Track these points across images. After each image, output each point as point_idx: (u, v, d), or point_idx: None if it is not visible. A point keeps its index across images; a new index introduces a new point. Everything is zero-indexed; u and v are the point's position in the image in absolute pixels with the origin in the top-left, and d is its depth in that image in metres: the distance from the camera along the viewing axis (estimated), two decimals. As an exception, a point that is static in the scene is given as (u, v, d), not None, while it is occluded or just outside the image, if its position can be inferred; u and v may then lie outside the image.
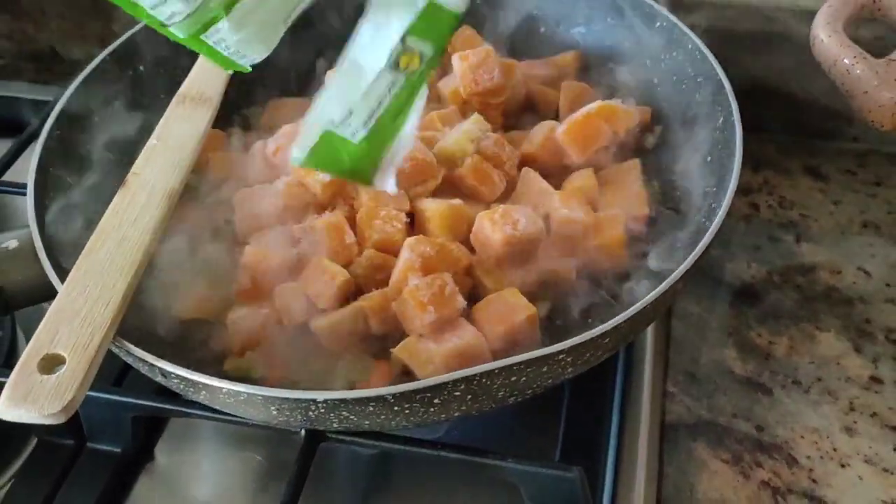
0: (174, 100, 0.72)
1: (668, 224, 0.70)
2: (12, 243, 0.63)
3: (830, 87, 0.77)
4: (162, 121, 0.70)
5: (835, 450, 0.69)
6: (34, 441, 0.73)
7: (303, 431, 0.61)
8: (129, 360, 0.58)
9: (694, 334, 0.79)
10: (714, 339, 0.78)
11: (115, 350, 0.58)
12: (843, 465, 0.68)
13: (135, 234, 0.60)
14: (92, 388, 0.65)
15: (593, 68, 0.83)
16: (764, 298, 0.81)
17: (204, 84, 0.73)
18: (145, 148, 0.67)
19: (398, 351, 0.58)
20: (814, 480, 0.68)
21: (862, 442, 0.70)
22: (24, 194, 0.82)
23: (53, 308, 0.55)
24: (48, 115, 0.81)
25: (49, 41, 1.15)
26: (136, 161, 0.66)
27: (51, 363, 0.52)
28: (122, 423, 0.68)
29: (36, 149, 0.70)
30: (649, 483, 0.67)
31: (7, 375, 0.64)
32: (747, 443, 0.70)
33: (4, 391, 0.50)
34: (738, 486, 0.68)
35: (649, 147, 0.77)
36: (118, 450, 0.70)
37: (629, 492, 0.65)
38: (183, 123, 0.70)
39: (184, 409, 0.64)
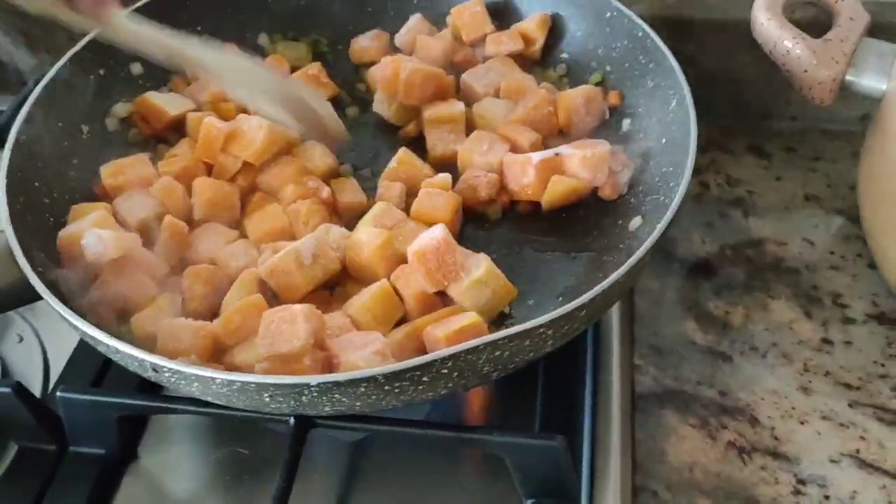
0: None
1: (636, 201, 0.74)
2: (-11, 249, 0.63)
3: (769, 70, 0.82)
4: None
5: (793, 409, 0.74)
6: (14, 449, 0.72)
7: (292, 420, 0.63)
8: (116, 358, 0.59)
9: (655, 309, 0.82)
10: (674, 312, 0.82)
11: (103, 349, 0.59)
12: (802, 423, 0.73)
13: None
14: (73, 390, 0.67)
15: (548, 56, 0.87)
16: (718, 272, 0.85)
17: None
18: None
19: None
20: (776, 438, 0.72)
21: (818, 400, 0.74)
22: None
23: None
24: (7, 123, 0.82)
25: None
26: None
27: None
28: (107, 425, 0.69)
29: (4, 154, 0.69)
30: (624, 450, 0.70)
31: None
32: (712, 407, 0.74)
33: None
34: (706, 448, 0.71)
35: (625, 130, 0.81)
36: (102, 451, 0.70)
37: (605, 458, 0.68)
38: None
39: (170, 406, 0.65)
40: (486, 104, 0.81)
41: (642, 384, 0.76)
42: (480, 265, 0.66)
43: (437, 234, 0.64)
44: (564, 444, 0.61)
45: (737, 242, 0.88)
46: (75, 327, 0.59)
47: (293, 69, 0.89)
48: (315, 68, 0.88)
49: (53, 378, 0.79)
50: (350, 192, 0.77)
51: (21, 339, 0.82)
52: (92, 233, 0.65)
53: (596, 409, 0.71)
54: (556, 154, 0.75)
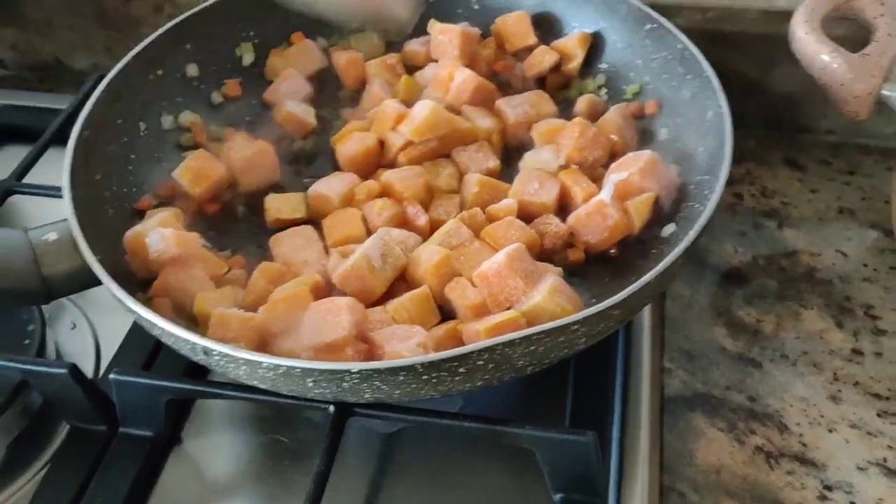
0: None
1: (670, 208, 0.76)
2: (52, 235, 0.67)
3: (805, 83, 0.83)
4: None
5: (822, 416, 0.75)
6: (66, 428, 0.76)
7: (331, 407, 0.65)
8: (170, 341, 0.62)
9: (687, 314, 0.84)
10: (706, 318, 0.83)
11: (157, 333, 0.62)
12: (830, 430, 0.74)
13: None
14: (126, 373, 0.70)
15: (587, 66, 0.89)
16: (750, 280, 0.87)
17: None
18: None
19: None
20: (804, 444, 0.73)
21: (847, 408, 0.75)
22: (46, 195, 0.88)
23: None
24: (68, 120, 0.86)
25: (54, 52, 1.18)
26: None
27: None
28: (156, 408, 0.72)
29: (68, 148, 0.73)
30: (652, 450, 0.71)
31: (36, 364, 0.70)
32: (741, 412, 0.75)
33: None
34: (733, 452, 0.73)
35: (662, 139, 0.83)
36: (150, 434, 0.74)
37: (634, 457, 0.70)
38: None
39: (217, 391, 0.68)
40: (532, 157, 0.82)
41: (671, 387, 0.78)
42: (543, 290, 0.66)
43: (501, 260, 0.66)
44: (595, 440, 0.63)
45: (770, 252, 0.89)
46: (130, 310, 0.62)
47: (367, 59, 0.92)
48: (394, 58, 0.91)
49: (104, 364, 0.82)
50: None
51: (74, 327, 0.86)
52: (155, 231, 0.69)
53: (625, 409, 0.73)
54: (621, 181, 0.75)
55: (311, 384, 0.58)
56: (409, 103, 0.86)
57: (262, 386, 0.62)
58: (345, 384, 0.57)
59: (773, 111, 1.01)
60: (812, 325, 0.82)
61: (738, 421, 0.75)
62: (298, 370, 0.56)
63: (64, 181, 0.70)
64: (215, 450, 0.76)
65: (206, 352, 0.58)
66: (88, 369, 0.82)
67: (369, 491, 0.71)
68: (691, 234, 0.63)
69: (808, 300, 0.84)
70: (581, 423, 0.71)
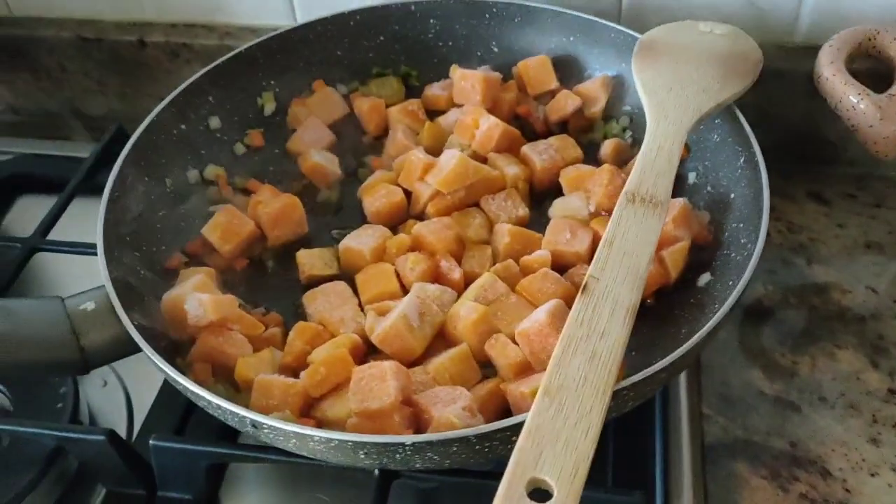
0: (623, 197, 0.67)
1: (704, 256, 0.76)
2: (90, 305, 0.67)
3: (826, 115, 0.83)
4: (613, 221, 0.65)
5: (863, 460, 0.74)
6: (103, 492, 0.75)
7: (376, 471, 0.65)
8: (217, 413, 0.61)
9: (721, 357, 0.83)
10: (741, 361, 0.83)
11: (203, 405, 0.62)
12: (872, 475, 0.73)
13: (604, 351, 0.56)
14: (166, 440, 0.69)
15: (611, 108, 0.89)
16: (783, 319, 0.86)
17: (652, 184, 0.68)
18: (599, 248, 0.63)
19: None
20: (847, 490, 0.72)
21: (888, 451, 0.75)
22: (72, 252, 0.87)
23: (533, 423, 0.52)
24: (89, 171, 0.86)
25: (68, 99, 1.18)
26: (594, 263, 0.62)
27: (537, 488, 0.50)
28: (196, 472, 0.71)
29: (101, 209, 0.73)
30: (696, 501, 0.71)
31: (73, 432, 0.69)
32: (783, 459, 0.75)
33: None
34: (778, 500, 0.72)
35: (691, 183, 0.83)
36: (189, 497, 0.73)
37: (678, 510, 0.70)
38: (636, 228, 0.64)
39: (262, 455, 0.67)
40: (562, 204, 0.82)
41: (711, 434, 0.77)
42: None
43: (542, 318, 0.66)
44: (643, 500, 0.63)
45: (800, 290, 0.89)
46: (177, 382, 0.62)
47: (388, 105, 0.92)
48: (415, 104, 0.91)
49: (137, 421, 0.82)
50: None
51: (105, 384, 0.85)
52: (193, 297, 0.68)
53: (667, 461, 0.72)
54: None
55: (362, 456, 0.57)
56: (432, 149, 0.86)
57: (312, 457, 0.61)
58: (397, 456, 0.57)
59: (794, 144, 1.01)
60: (848, 366, 0.82)
61: (780, 468, 0.74)
62: (350, 444, 0.56)
63: (99, 249, 0.70)
64: (254, 511, 0.75)
65: (256, 425, 0.58)
66: (121, 428, 0.81)
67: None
68: (736, 291, 0.63)
69: (841, 339, 0.84)
70: (624, 479, 0.71)
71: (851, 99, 0.79)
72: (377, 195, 0.83)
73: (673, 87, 0.76)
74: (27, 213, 1.07)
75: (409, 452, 0.56)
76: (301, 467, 0.76)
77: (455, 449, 0.56)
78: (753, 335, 0.85)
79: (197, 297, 0.68)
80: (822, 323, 0.86)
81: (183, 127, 0.86)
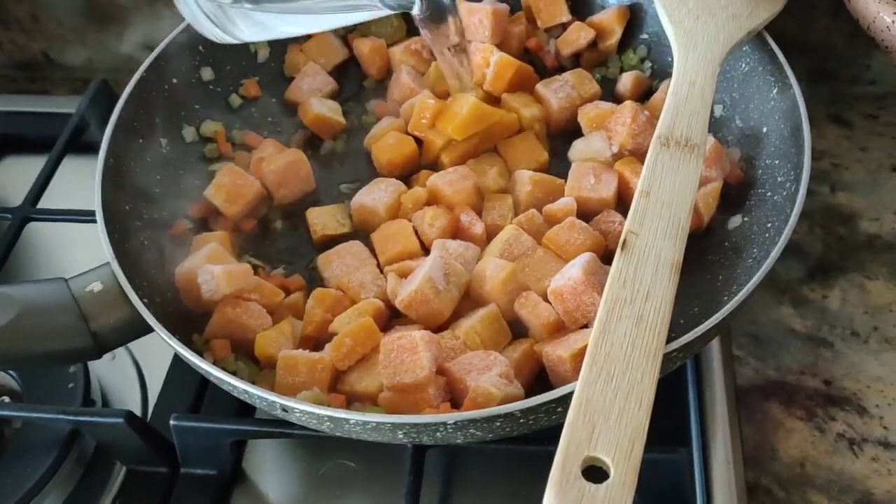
0: (654, 142, 0.61)
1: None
2: (97, 286, 0.63)
3: (849, 33, 0.78)
4: (647, 168, 0.60)
5: (900, 396, 0.73)
6: (123, 469, 0.73)
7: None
8: (243, 397, 0.59)
9: (749, 295, 0.81)
10: (769, 298, 0.81)
11: (228, 388, 0.59)
12: (910, 411, 0.72)
13: (650, 313, 0.52)
14: (187, 419, 0.67)
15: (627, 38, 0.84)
16: (810, 252, 0.84)
17: (686, 126, 0.62)
18: (635, 199, 0.58)
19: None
20: (885, 427, 0.71)
21: (925, 386, 0.74)
22: (65, 220, 0.83)
23: (582, 396, 0.49)
24: (75, 130, 0.80)
25: (43, 49, 1.11)
26: (630, 216, 0.57)
27: (592, 467, 0.47)
28: (220, 448, 0.69)
29: (97, 179, 0.68)
30: (734, 448, 0.69)
31: (91, 415, 0.66)
32: (818, 398, 0.74)
33: (549, 493, 0.46)
34: (815, 441, 0.71)
35: (717, 116, 0.78)
36: (214, 472, 0.71)
37: (716, 459, 0.68)
38: (673, 175, 0.59)
39: (289, 431, 0.65)
40: (583, 145, 0.78)
41: (743, 376, 0.75)
42: None
43: (576, 275, 0.62)
44: (687, 457, 0.61)
45: (826, 220, 0.86)
46: (199, 367, 0.59)
47: (389, 46, 0.87)
48: (418, 43, 0.85)
49: (151, 395, 0.79)
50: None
51: (114, 357, 0.82)
52: (205, 270, 0.64)
53: (702, 407, 0.71)
54: None
55: (401, 435, 0.55)
56: (440, 91, 0.81)
57: (347, 437, 0.58)
58: (438, 434, 0.54)
59: (815, 64, 0.96)
60: (879, 298, 0.80)
61: (816, 408, 0.73)
62: (389, 425, 0.53)
63: (99, 223, 0.66)
64: (280, 480, 0.73)
65: (286, 409, 0.55)
66: (135, 404, 0.79)
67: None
68: (784, 236, 0.61)
69: (871, 270, 0.82)
70: (658, 428, 0.69)
71: (885, 18, 0.74)
72: (387, 145, 0.78)
73: (700, 14, 0.70)
74: (11, 176, 1.02)
75: (450, 430, 0.54)
76: (325, 436, 0.74)
77: (499, 424, 0.54)
78: (781, 271, 0.82)
79: (209, 270, 0.64)
80: (849, 253, 0.83)
81: (174, 81, 0.80)
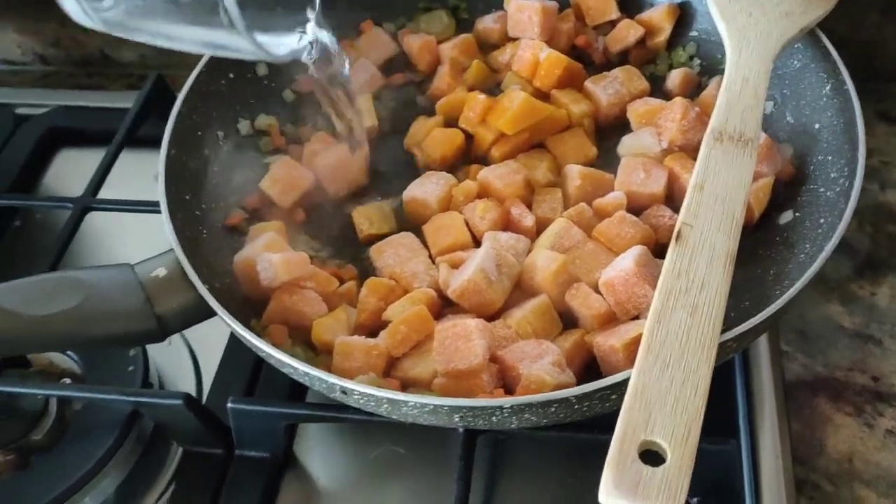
0: (709, 136, 0.62)
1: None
2: (161, 271, 0.65)
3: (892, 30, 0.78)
4: (700, 162, 0.61)
5: (950, 394, 0.73)
6: (179, 450, 0.75)
7: (460, 428, 0.64)
8: (303, 380, 0.60)
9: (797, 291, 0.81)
10: (817, 294, 0.81)
11: (288, 371, 0.60)
12: (959, 408, 0.72)
13: (705, 303, 0.53)
14: (243, 402, 0.69)
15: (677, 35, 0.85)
16: (858, 249, 0.84)
17: (740, 120, 0.63)
18: (689, 192, 0.59)
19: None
20: (934, 425, 0.71)
21: (975, 384, 0.73)
22: (125, 210, 0.85)
23: (639, 382, 0.50)
24: (133, 124, 0.82)
25: (99, 45, 1.14)
26: (684, 209, 0.58)
27: (648, 451, 0.48)
28: (274, 431, 0.71)
29: (160, 169, 0.71)
30: (783, 442, 0.70)
31: (151, 396, 0.68)
32: (866, 394, 0.74)
33: (607, 474, 0.47)
34: (864, 437, 0.71)
35: (768, 113, 0.78)
36: (267, 455, 0.73)
37: (765, 452, 0.69)
38: (726, 169, 0.60)
39: (343, 416, 0.67)
40: (632, 141, 0.78)
41: (791, 372, 0.76)
42: None
43: (628, 266, 0.63)
44: (737, 448, 0.62)
45: (875, 217, 0.86)
46: (261, 350, 0.60)
47: (440, 42, 0.88)
48: (468, 39, 0.87)
49: (206, 378, 0.81)
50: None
51: (169, 342, 0.84)
52: (263, 258, 0.66)
53: (750, 401, 0.71)
54: None
55: (457, 419, 0.56)
56: (478, 88, 0.83)
57: (403, 420, 0.60)
58: (493, 418, 0.55)
59: (864, 62, 0.96)
60: (929, 296, 0.79)
61: (864, 403, 0.73)
62: (446, 408, 0.55)
63: (163, 212, 0.68)
64: (330, 465, 0.75)
65: (346, 391, 0.57)
66: (190, 387, 0.81)
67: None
68: (839, 231, 0.61)
69: (921, 268, 0.81)
70: (707, 421, 0.70)
71: (939, 16, 0.74)
72: (436, 141, 0.79)
73: (753, 11, 0.71)
74: (69, 169, 1.05)
75: (506, 414, 0.55)
76: (376, 422, 0.75)
77: (554, 409, 0.55)
78: (829, 267, 0.82)
79: (267, 258, 0.66)
80: (899, 251, 0.83)
81: (231, 76, 0.82)
